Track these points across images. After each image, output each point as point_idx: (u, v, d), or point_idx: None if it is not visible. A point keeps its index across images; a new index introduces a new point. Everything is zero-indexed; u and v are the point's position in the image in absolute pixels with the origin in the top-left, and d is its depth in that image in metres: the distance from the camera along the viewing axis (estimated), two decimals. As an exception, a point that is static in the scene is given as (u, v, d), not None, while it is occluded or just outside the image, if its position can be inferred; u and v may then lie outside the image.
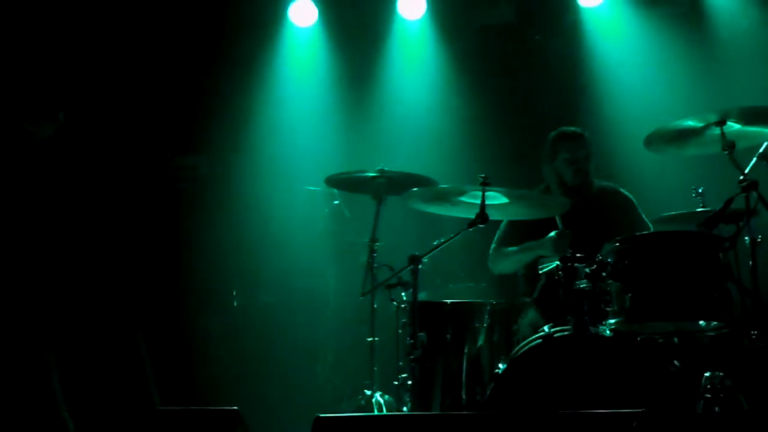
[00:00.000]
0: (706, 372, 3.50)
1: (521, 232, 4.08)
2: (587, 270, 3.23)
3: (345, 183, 4.39)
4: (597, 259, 3.24)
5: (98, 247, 3.89)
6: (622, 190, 4.19)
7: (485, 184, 3.46)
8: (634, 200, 4.16)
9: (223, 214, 5.58)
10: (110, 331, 3.62)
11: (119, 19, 5.00)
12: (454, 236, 3.67)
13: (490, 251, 4.28)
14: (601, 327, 3.20)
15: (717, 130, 3.41)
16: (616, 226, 3.88)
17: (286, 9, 5.71)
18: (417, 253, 3.71)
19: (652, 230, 3.89)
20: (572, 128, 4.19)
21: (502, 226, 4.25)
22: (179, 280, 5.42)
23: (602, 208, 4.08)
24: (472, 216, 3.56)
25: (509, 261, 4.11)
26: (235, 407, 2.80)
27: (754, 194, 3.24)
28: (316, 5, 5.70)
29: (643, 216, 4.10)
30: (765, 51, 5.05)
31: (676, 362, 3.19)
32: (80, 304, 3.40)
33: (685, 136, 3.52)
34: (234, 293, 5.55)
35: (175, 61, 5.56)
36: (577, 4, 5.57)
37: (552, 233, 3.77)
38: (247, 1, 5.69)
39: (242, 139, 5.62)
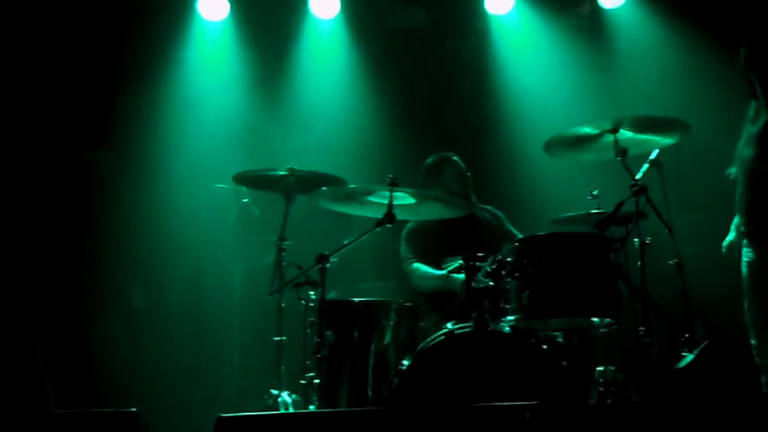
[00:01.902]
0: (598, 366, 3.71)
1: (420, 246, 4.30)
2: (488, 269, 3.35)
3: (254, 181, 4.34)
4: (497, 259, 3.36)
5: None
6: (492, 208, 4.57)
7: (393, 185, 3.53)
8: (502, 216, 4.54)
9: (127, 212, 5.42)
10: (2, 332, 3.47)
11: (23, 12, 4.80)
12: (362, 235, 3.71)
13: (405, 267, 4.39)
14: (500, 324, 3.31)
15: (611, 138, 3.61)
16: (495, 237, 4.25)
17: (195, 2, 5.61)
18: (325, 252, 3.72)
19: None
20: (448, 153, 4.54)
21: (403, 241, 4.42)
22: (81, 279, 5.24)
23: (482, 221, 4.43)
24: (381, 216, 3.63)
25: (425, 284, 4.25)
26: (134, 409, 2.73)
27: (643, 198, 3.44)
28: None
29: (512, 229, 4.46)
30: (658, 63, 5.37)
31: (571, 357, 3.34)
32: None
33: (581, 142, 3.71)
34: (137, 293, 5.40)
35: (80, 53, 5.37)
36: (486, 12, 5.73)
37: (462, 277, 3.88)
38: (155, -7, 5.57)
39: (148, 134, 5.46)
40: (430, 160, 4.54)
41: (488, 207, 4.58)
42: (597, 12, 5.65)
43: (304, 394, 3.84)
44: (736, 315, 4.64)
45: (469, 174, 4.48)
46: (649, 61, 5.37)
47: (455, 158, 4.50)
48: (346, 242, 3.85)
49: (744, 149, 3.56)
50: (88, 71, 5.40)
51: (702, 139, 4.30)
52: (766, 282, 3.49)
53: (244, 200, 5.19)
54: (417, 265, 4.29)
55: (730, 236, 3.74)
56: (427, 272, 4.21)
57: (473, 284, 3.34)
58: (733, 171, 3.62)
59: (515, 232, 4.42)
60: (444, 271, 4.06)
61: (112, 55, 5.45)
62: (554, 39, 5.62)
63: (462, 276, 3.84)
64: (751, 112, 3.62)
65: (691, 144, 3.80)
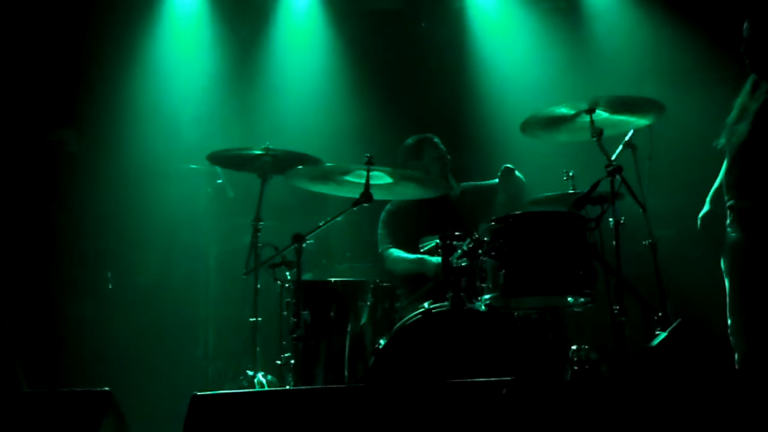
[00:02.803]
0: (573, 345, 3.74)
1: (399, 227, 4.29)
2: (465, 248, 3.35)
3: (229, 160, 4.30)
4: (474, 238, 3.36)
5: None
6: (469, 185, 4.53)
7: (370, 164, 3.51)
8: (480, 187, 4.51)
9: (98, 193, 5.32)
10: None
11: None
12: (339, 215, 3.69)
13: (381, 252, 4.38)
14: (476, 303, 3.32)
15: (587, 118, 3.62)
16: (473, 219, 4.24)
17: (169, -20, 5.54)
18: (301, 233, 3.69)
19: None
20: (428, 135, 4.49)
21: (381, 224, 4.40)
22: (50, 261, 5.15)
23: (461, 203, 4.41)
24: (357, 196, 3.61)
25: (399, 267, 4.23)
26: (107, 388, 2.69)
27: (618, 178, 3.46)
28: (201, -21, 5.56)
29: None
30: (635, 47, 5.40)
31: (546, 336, 3.37)
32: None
33: (558, 122, 3.71)
34: (108, 275, 5.32)
35: (45, 27, 5.23)
36: (463, -7, 5.73)
37: (438, 260, 3.82)
38: (127, -29, 5.45)
39: (119, 114, 5.35)
40: (410, 141, 4.48)
41: (464, 185, 4.52)
42: (575, -5, 5.67)
43: (279, 374, 3.83)
44: (707, 298, 4.72)
45: (449, 157, 4.44)
46: (627, 45, 5.39)
47: (436, 140, 4.44)
48: (322, 223, 3.83)
49: (739, 124, 3.51)
50: (53, 47, 5.26)
51: (677, 123, 4.34)
52: (748, 264, 3.46)
53: (219, 181, 5.14)
54: (392, 250, 4.28)
55: (706, 208, 3.76)
56: (400, 256, 4.20)
57: (451, 262, 3.34)
58: (722, 142, 3.58)
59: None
60: (417, 255, 4.06)
61: (80, 30, 5.31)
62: (532, 21, 5.63)
63: (435, 259, 3.86)
64: (747, 86, 3.57)
65: (665, 128, 3.82)
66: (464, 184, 4.56)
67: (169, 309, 5.24)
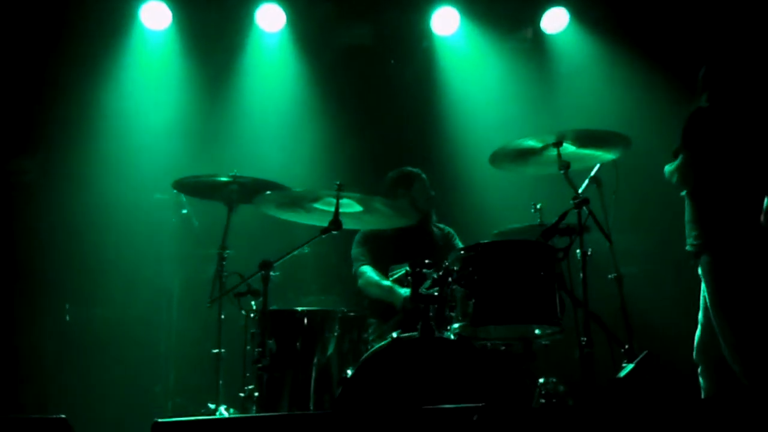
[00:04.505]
0: (540, 378, 3.73)
1: (371, 250, 4.30)
2: (434, 276, 3.33)
3: (195, 188, 4.23)
4: (444, 266, 3.35)
5: None
6: (444, 226, 4.61)
7: (339, 190, 3.49)
8: (453, 232, 4.58)
9: (58, 223, 5.21)
10: None
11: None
12: (308, 241, 3.66)
13: (355, 268, 4.36)
14: (446, 332, 3.29)
15: (554, 151, 3.66)
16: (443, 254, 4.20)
17: (137, 10, 5.50)
18: (269, 259, 3.64)
19: None
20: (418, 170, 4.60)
21: (356, 243, 4.40)
22: (10, 293, 5.00)
23: (435, 237, 4.48)
24: (326, 224, 3.58)
25: (370, 290, 4.24)
26: (63, 416, 2.60)
27: (585, 210, 3.50)
28: (170, 9, 5.53)
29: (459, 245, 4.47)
30: (598, 86, 5.54)
31: (515, 366, 3.34)
32: None
33: (525, 155, 3.76)
34: (66, 307, 5.17)
35: (8, 55, 5.16)
36: (432, 32, 5.82)
37: (406, 292, 3.84)
38: (94, -1, 5.42)
39: (82, 142, 5.28)
40: (400, 172, 4.58)
41: (440, 225, 4.62)
42: (539, 36, 5.81)
43: (242, 407, 3.72)
44: (673, 333, 4.76)
45: (433, 193, 4.55)
46: (591, 82, 5.54)
47: (424, 176, 4.57)
48: (290, 250, 3.78)
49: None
50: (13, 74, 5.19)
51: (640, 160, 4.43)
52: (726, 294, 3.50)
53: (184, 211, 5.06)
54: (366, 267, 4.28)
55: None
56: (373, 278, 4.20)
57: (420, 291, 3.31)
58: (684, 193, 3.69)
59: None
60: (389, 282, 4.04)
61: (42, 58, 5.25)
62: (499, 60, 5.75)
63: (404, 291, 3.84)
64: None
65: (629, 165, 3.89)
66: (444, 226, 4.62)
67: (129, 342, 5.09)
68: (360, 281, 4.29)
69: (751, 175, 3.48)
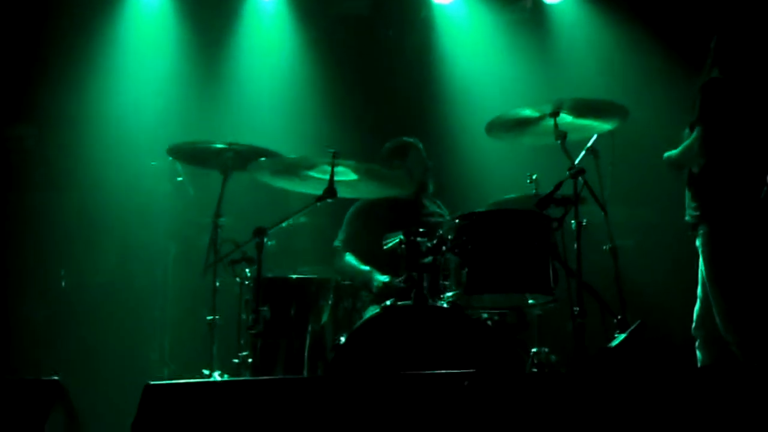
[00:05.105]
0: (533, 348, 3.74)
1: (364, 224, 4.26)
2: (428, 245, 3.33)
3: (191, 154, 4.18)
4: (438, 235, 3.35)
5: None
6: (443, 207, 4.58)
7: (335, 158, 3.47)
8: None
9: (55, 190, 5.20)
10: None
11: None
12: (303, 209, 3.65)
13: (336, 243, 4.34)
14: (439, 301, 3.30)
15: (551, 121, 3.64)
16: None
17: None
18: (263, 226, 3.63)
19: None
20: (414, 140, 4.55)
21: (345, 224, 4.39)
22: (4, 259, 5.00)
23: (429, 209, 4.46)
24: (321, 192, 3.56)
25: (348, 270, 4.18)
26: (56, 377, 2.61)
27: (581, 180, 3.49)
28: (166, -25, 5.49)
29: None
30: (598, 56, 5.49)
31: (508, 334, 3.36)
32: None
33: (522, 125, 3.74)
34: (62, 273, 5.17)
35: (4, 24, 5.11)
36: (430, 1, 5.76)
37: (385, 279, 3.85)
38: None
39: (77, 109, 5.22)
40: (396, 142, 4.55)
41: (437, 201, 4.60)
42: (539, 6, 5.75)
43: (236, 373, 3.74)
44: (667, 305, 4.78)
45: (430, 162, 4.52)
46: (590, 54, 5.50)
47: (420, 146, 4.53)
48: (285, 218, 3.77)
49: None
50: (9, 41, 5.13)
51: (639, 132, 4.41)
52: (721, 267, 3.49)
53: (179, 179, 5.04)
54: (347, 254, 4.25)
55: None
56: (350, 262, 4.17)
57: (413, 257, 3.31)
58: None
59: None
60: (368, 268, 4.02)
61: (36, 23, 5.20)
62: (497, 30, 5.69)
63: (382, 277, 3.84)
64: None
65: (627, 137, 3.88)
66: (440, 203, 4.59)
67: (124, 309, 5.11)
68: (337, 259, 4.26)
69: (758, 148, 3.45)
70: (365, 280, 3.96)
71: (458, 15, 5.75)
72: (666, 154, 3.69)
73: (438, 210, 4.52)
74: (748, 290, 3.42)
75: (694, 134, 3.52)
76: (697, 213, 3.54)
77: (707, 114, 3.46)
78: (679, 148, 3.62)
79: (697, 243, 3.58)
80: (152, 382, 2.47)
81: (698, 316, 3.65)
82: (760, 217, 3.40)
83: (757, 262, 3.43)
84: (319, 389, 2.44)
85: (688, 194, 3.63)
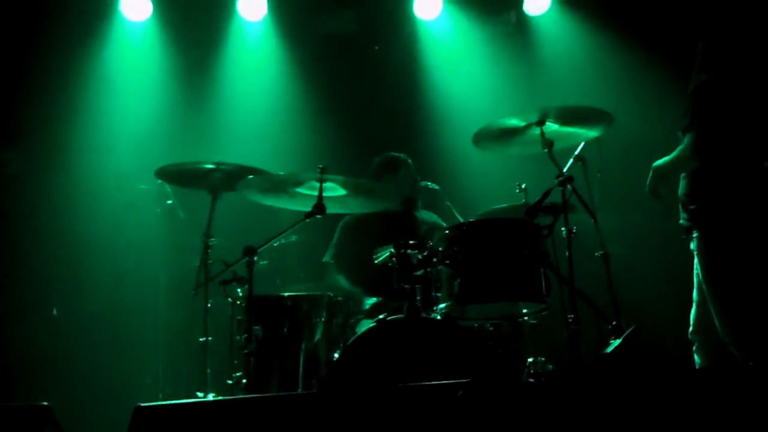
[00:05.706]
0: (529, 358, 3.72)
1: (355, 237, 4.27)
2: (419, 257, 3.32)
3: (179, 176, 4.17)
4: (428, 246, 3.34)
5: None
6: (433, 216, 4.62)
7: (323, 173, 3.47)
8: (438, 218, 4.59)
9: (42, 216, 5.17)
10: None
11: None
12: (292, 226, 3.63)
13: (326, 259, 4.36)
14: (432, 313, 3.28)
15: (537, 130, 3.65)
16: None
17: (117, 2, 5.45)
18: (253, 245, 3.61)
19: None
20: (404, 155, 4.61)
21: (336, 237, 4.41)
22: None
23: (421, 223, 4.49)
24: (310, 208, 3.55)
25: (336, 290, 4.19)
26: (45, 403, 2.57)
27: (569, 188, 3.48)
28: (150, 0, 5.49)
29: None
30: (582, 67, 5.53)
31: (503, 345, 3.34)
32: None
33: (509, 134, 3.74)
34: (53, 300, 5.13)
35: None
36: (415, 17, 5.79)
37: (373, 300, 3.88)
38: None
39: (65, 134, 5.24)
40: (385, 157, 4.60)
41: (426, 211, 4.62)
42: (523, 18, 5.79)
43: (231, 395, 3.69)
44: (660, 312, 4.77)
45: (419, 178, 4.55)
46: (574, 63, 5.53)
47: (410, 162, 4.58)
48: (275, 236, 3.76)
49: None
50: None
51: (626, 138, 4.43)
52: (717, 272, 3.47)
53: (169, 202, 5.02)
54: (338, 276, 4.28)
55: None
56: (339, 284, 4.22)
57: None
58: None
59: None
60: (358, 289, 4.04)
61: (22, 47, 5.20)
62: (482, 43, 5.74)
63: (370, 299, 3.85)
64: None
65: (614, 146, 3.88)
66: (430, 212, 4.62)
67: (117, 334, 5.07)
68: (328, 276, 4.34)
69: (751, 149, 3.45)
70: (355, 302, 3.98)
71: (443, 29, 5.80)
72: (655, 164, 3.67)
73: (433, 221, 4.53)
74: (745, 291, 3.41)
75: (687, 139, 3.52)
76: (692, 216, 3.54)
77: (700, 117, 3.47)
78: (671, 155, 3.61)
79: (692, 246, 3.57)
80: (142, 404, 2.44)
81: (695, 319, 3.63)
82: (755, 217, 3.40)
83: (753, 262, 3.42)
84: (312, 405, 2.42)
85: (681, 198, 3.63)
